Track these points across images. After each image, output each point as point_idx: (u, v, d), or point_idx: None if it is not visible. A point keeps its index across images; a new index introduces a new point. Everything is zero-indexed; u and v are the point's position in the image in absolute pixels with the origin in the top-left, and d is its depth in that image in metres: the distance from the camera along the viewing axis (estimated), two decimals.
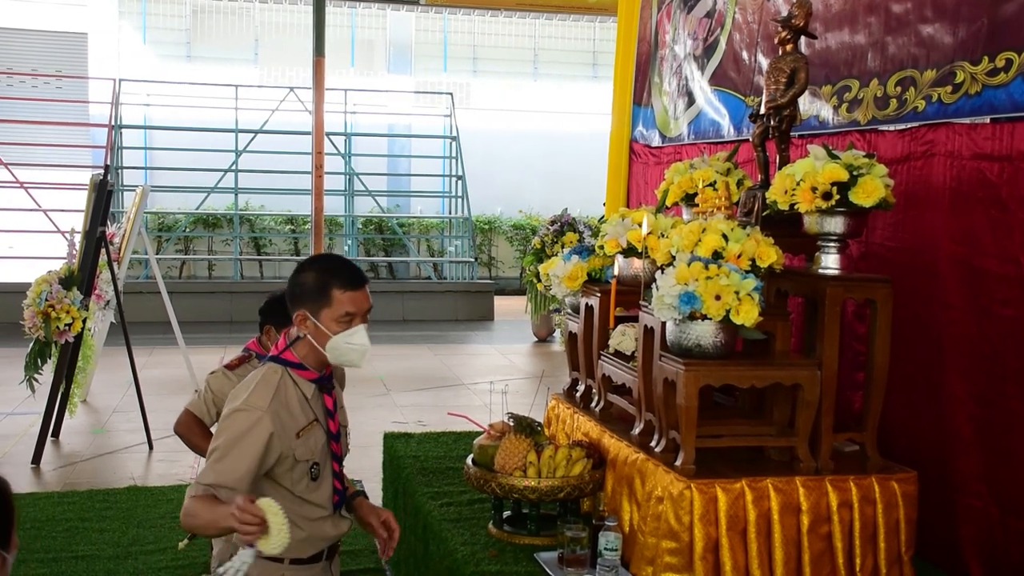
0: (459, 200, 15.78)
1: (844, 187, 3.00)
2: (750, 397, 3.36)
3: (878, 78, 3.80)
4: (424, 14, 18.34)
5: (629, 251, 3.47)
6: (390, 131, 17.62)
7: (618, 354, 3.50)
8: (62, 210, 12.74)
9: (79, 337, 6.59)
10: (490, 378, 9.01)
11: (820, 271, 3.15)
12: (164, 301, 7.90)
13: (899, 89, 3.68)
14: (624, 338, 3.48)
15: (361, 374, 9.37)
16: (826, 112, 4.11)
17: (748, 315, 2.80)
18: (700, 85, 5.32)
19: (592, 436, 3.53)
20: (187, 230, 15.32)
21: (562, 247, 6.61)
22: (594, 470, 3.26)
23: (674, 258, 3.03)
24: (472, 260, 15.35)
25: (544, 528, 3.24)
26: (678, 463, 2.94)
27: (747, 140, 4.21)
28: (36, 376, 6.44)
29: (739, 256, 2.96)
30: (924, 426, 3.52)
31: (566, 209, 9.93)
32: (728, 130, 5.00)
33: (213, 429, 3.56)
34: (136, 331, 7.92)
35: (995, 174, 3.25)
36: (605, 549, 2.90)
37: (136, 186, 9.68)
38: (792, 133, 3.61)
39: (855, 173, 3.01)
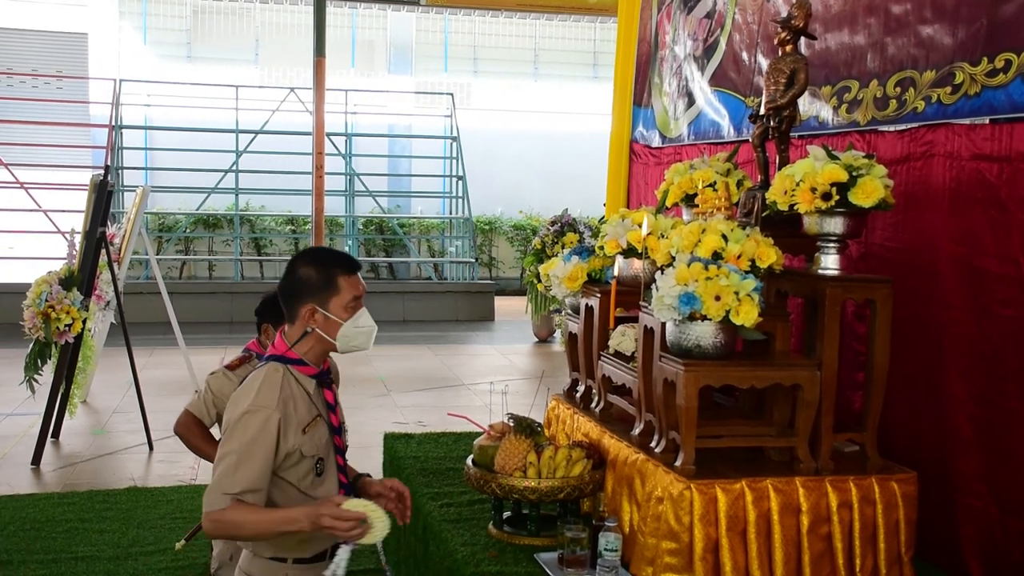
0: (460, 200, 15.78)
1: (843, 188, 3.01)
2: (750, 397, 3.36)
3: (878, 79, 3.81)
4: (424, 14, 18.35)
5: (629, 252, 3.48)
6: (391, 131, 17.62)
7: (618, 354, 3.50)
8: (62, 210, 12.75)
9: (79, 338, 6.59)
10: (490, 378, 9.02)
11: (820, 271, 3.15)
12: (164, 302, 7.90)
13: (898, 90, 3.69)
14: (624, 339, 3.48)
15: (361, 374, 9.40)
16: (826, 113, 4.11)
17: (748, 315, 2.80)
18: (700, 86, 5.32)
19: (592, 436, 3.53)
20: (187, 231, 15.33)
21: (562, 247, 6.63)
22: (594, 471, 3.26)
23: (674, 259, 3.03)
24: (473, 260, 15.35)
25: (544, 529, 3.24)
26: (678, 463, 2.94)
27: (747, 141, 4.22)
28: (36, 377, 6.44)
29: (739, 257, 2.96)
30: (924, 426, 3.52)
31: (566, 210, 9.95)
32: (728, 131, 5.00)
33: (213, 430, 3.57)
34: (136, 332, 7.93)
35: (994, 175, 3.26)
36: (605, 550, 2.90)
37: (136, 186, 9.68)
38: (792, 134, 3.61)
39: (854, 174, 3.02)
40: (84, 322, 6.51)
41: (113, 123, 14.61)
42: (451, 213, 16.42)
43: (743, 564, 2.88)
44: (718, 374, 2.93)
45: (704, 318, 2.83)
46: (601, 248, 3.60)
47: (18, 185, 13.33)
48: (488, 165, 17.15)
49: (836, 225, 3.09)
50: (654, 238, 3.35)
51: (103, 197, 6.75)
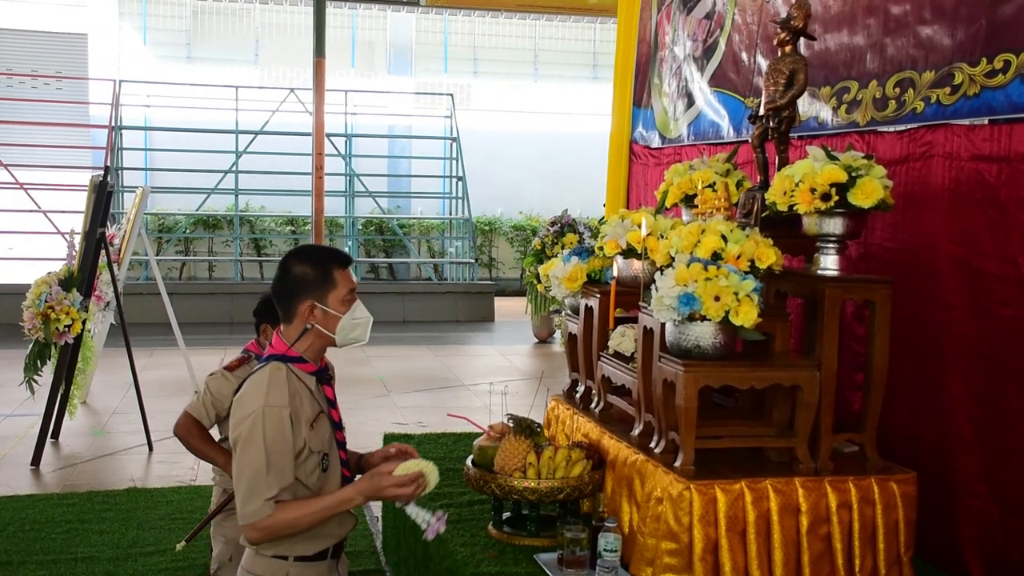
0: (459, 201, 15.78)
1: (843, 188, 3.01)
2: (749, 398, 3.36)
3: (877, 79, 3.81)
4: (424, 15, 18.36)
5: (629, 252, 3.48)
6: (390, 132, 17.64)
7: (618, 355, 3.50)
8: (62, 211, 12.76)
9: (79, 338, 6.59)
10: (490, 379, 9.02)
11: (819, 272, 3.15)
12: (164, 302, 7.90)
13: (898, 90, 3.69)
14: (624, 339, 3.48)
15: (361, 375, 9.39)
16: (825, 113, 4.11)
17: (747, 316, 2.80)
18: (700, 86, 5.32)
19: (592, 437, 3.53)
20: (187, 231, 15.33)
21: (562, 248, 6.62)
22: (594, 471, 3.26)
23: (673, 259, 3.03)
24: (472, 261, 15.36)
25: (544, 529, 3.24)
26: (677, 464, 2.94)
27: (746, 141, 4.22)
28: (36, 377, 6.44)
29: (738, 257, 2.96)
30: (924, 426, 3.52)
31: (566, 210, 9.94)
32: (727, 131, 5.00)
33: (212, 431, 3.58)
34: (136, 332, 7.93)
35: (993, 175, 3.26)
36: (604, 550, 2.90)
37: (136, 187, 9.69)
38: (791, 134, 3.61)
39: (854, 174, 3.02)
40: (84, 323, 6.51)
41: (113, 124, 14.61)
42: (451, 214, 16.43)
43: (743, 564, 2.88)
44: (717, 375, 2.93)
45: (703, 319, 2.83)
46: (601, 249, 3.60)
47: (18, 186, 13.33)
48: (488, 166, 17.16)
49: (835, 226, 3.09)
50: (653, 239, 3.35)
51: (103, 198, 6.75)
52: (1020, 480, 3.16)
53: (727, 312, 2.80)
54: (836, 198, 3.01)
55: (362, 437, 5.86)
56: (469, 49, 19.14)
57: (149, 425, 6.76)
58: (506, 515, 3.40)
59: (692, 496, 2.85)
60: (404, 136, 17.56)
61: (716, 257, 2.95)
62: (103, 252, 6.93)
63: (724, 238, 2.99)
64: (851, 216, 3.08)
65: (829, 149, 3.14)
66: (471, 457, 3.41)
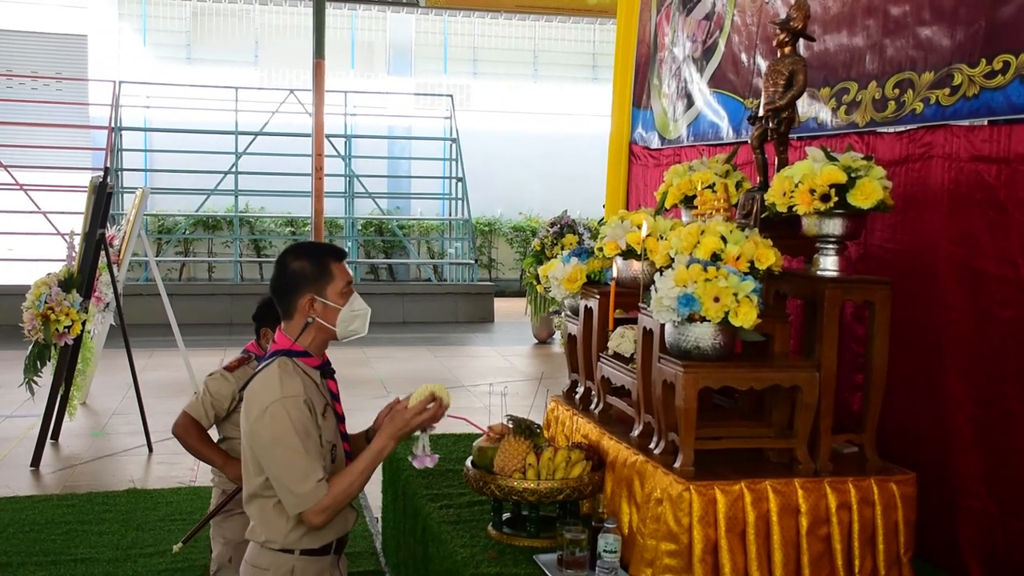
0: (459, 202, 15.79)
1: (842, 189, 3.01)
2: (749, 399, 3.36)
3: (876, 80, 3.81)
4: (424, 16, 18.37)
5: (628, 253, 3.48)
6: (390, 133, 17.65)
7: (617, 356, 3.50)
8: (62, 212, 12.76)
9: (79, 339, 6.59)
10: (490, 380, 9.02)
11: (819, 273, 3.15)
12: (164, 303, 7.91)
13: (897, 91, 3.69)
14: (623, 340, 3.48)
15: (361, 376, 9.39)
16: (824, 114, 4.12)
17: (747, 317, 2.80)
18: (699, 87, 5.32)
19: (591, 438, 3.53)
20: (187, 232, 15.33)
21: (561, 249, 6.62)
22: (593, 472, 3.26)
23: (673, 260, 3.03)
24: (472, 262, 15.36)
25: (543, 530, 3.24)
26: (677, 465, 2.94)
27: (746, 142, 4.22)
28: (35, 379, 6.45)
29: (738, 258, 2.96)
30: (923, 427, 3.52)
31: (566, 211, 9.94)
32: (727, 132, 5.00)
33: (211, 432, 3.58)
34: (136, 333, 7.93)
35: (993, 176, 3.26)
36: (604, 551, 2.90)
37: (136, 188, 9.69)
38: (791, 135, 3.61)
39: (853, 175, 3.01)
40: (83, 324, 6.51)
41: (112, 125, 14.62)
42: (450, 214, 16.43)
43: (742, 565, 2.88)
44: (717, 375, 2.93)
45: (703, 319, 2.83)
46: (600, 250, 3.60)
47: (17, 187, 13.33)
48: (487, 166, 17.17)
49: (835, 226, 3.08)
50: (653, 239, 3.35)
51: (102, 199, 6.75)
52: (1020, 480, 3.16)
53: (726, 313, 2.80)
54: (835, 199, 3.00)
55: None
56: (469, 50, 19.15)
57: (149, 426, 6.76)
58: (506, 516, 3.40)
59: (692, 497, 2.85)
60: (404, 137, 17.57)
61: (715, 258, 2.95)
62: (103, 253, 6.93)
63: (723, 239, 2.99)
64: (850, 217, 3.08)
65: (828, 150, 3.14)
66: (471, 458, 3.41)
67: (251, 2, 17.64)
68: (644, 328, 3.18)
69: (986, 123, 3.28)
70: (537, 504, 3.21)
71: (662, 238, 3.30)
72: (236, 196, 15.04)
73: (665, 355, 2.99)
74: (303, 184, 13.87)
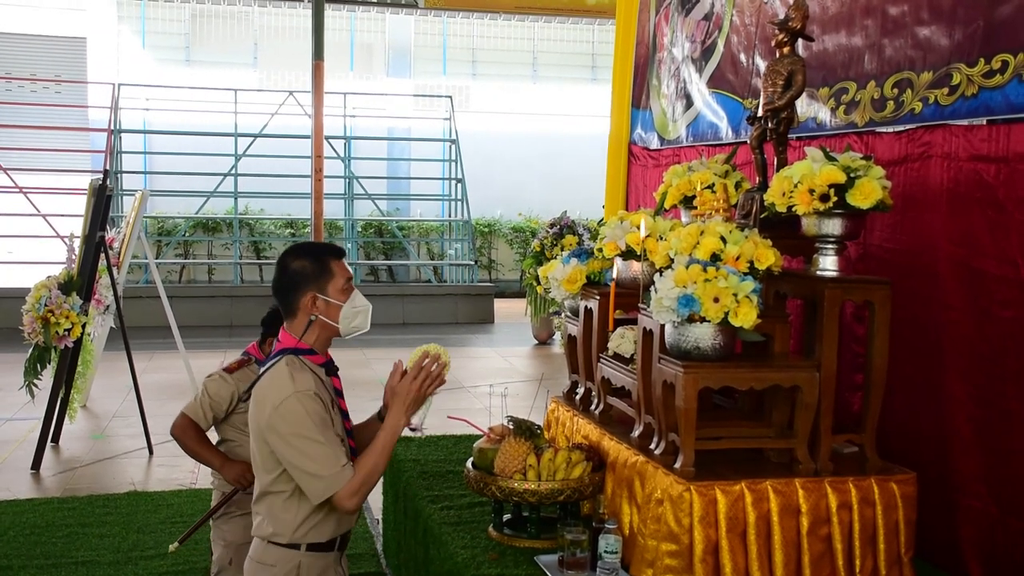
0: (459, 203, 15.79)
1: (841, 189, 3.01)
2: (749, 399, 3.36)
3: (875, 80, 3.81)
4: (423, 17, 18.37)
5: (628, 254, 3.48)
6: (389, 134, 17.65)
7: (617, 357, 3.50)
8: (61, 215, 12.76)
9: (79, 342, 6.59)
10: (490, 381, 9.01)
11: (818, 273, 3.15)
12: (164, 305, 7.91)
13: (896, 91, 3.69)
14: (623, 341, 3.48)
15: (361, 377, 9.39)
16: (823, 114, 4.12)
17: (746, 317, 2.80)
18: (698, 88, 5.32)
19: (592, 439, 3.53)
20: (187, 234, 15.34)
21: (561, 250, 6.63)
22: (594, 473, 3.26)
23: (672, 260, 3.03)
24: (472, 263, 15.36)
25: (544, 531, 3.24)
26: (678, 465, 2.94)
27: (745, 142, 4.22)
28: (36, 381, 6.45)
29: (737, 258, 2.96)
30: (923, 427, 3.52)
31: (565, 212, 9.95)
32: (726, 132, 5.00)
33: (210, 434, 3.58)
34: (136, 336, 7.93)
35: (992, 175, 3.26)
36: (605, 552, 2.90)
37: (135, 190, 9.70)
38: (790, 135, 3.61)
39: (852, 175, 3.01)
40: (83, 326, 6.51)
41: (112, 127, 14.62)
42: (450, 216, 16.43)
43: (743, 566, 2.88)
44: (717, 376, 2.93)
45: (703, 320, 2.83)
46: (600, 250, 3.60)
47: (17, 190, 13.33)
48: (487, 167, 17.17)
49: (834, 226, 3.09)
50: (653, 240, 3.35)
51: (102, 201, 6.75)
52: (1020, 480, 3.16)
53: (726, 313, 2.80)
54: (835, 199, 3.01)
55: None
56: (468, 51, 19.15)
57: (149, 428, 6.76)
58: (506, 517, 3.40)
59: (692, 497, 2.85)
60: (403, 138, 17.57)
61: (715, 258, 2.95)
62: (103, 256, 6.93)
63: (723, 239, 2.99)
64: (850, 217, 3.08)
65: (827, 150, 3.14)
66: (471, 459, 3.41)
67: (250, 4, 17.64)
68: (644, 329, 3.19)
69: (985, 123, 3.28)
70: (538, 505, 3.21)
71: (661, 239, 3.30)
72: (236, 198, 15.04)
73: (665, 355, 2.99)
74: (303, 186, 13.86)
